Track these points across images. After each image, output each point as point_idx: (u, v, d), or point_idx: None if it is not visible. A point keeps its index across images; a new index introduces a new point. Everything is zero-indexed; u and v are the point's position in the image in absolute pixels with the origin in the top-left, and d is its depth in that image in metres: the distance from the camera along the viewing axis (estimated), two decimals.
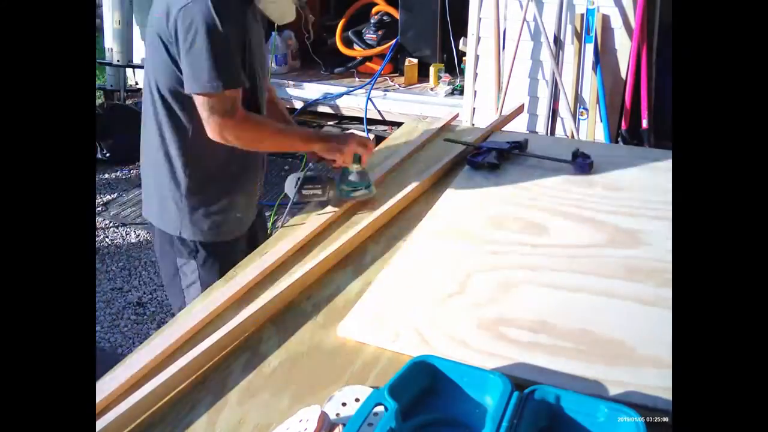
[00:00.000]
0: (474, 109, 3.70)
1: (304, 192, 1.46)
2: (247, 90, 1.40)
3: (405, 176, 1.61)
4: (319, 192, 1.47)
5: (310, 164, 1.51)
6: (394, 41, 4.55)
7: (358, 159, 1.47)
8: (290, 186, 1.46)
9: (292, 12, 1.47)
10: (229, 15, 1.30)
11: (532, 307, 1.09)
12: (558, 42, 3.55)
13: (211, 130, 1.35)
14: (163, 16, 1.32)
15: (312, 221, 1.40)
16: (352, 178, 1.48)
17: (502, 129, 2.04)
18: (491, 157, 1.65)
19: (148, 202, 1.56)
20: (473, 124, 3.47)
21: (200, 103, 1.34)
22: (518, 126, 3.44)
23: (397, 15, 4.53)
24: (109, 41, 4.60)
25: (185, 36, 1.29)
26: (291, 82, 4.56)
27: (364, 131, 4.21)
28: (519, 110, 2.40)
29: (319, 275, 1.21)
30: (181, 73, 1.34)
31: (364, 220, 1.38)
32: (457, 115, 2.10)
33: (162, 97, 1.40)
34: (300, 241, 1.30)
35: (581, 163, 1.61)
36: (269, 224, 3.40)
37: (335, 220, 1.43)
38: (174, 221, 1.49)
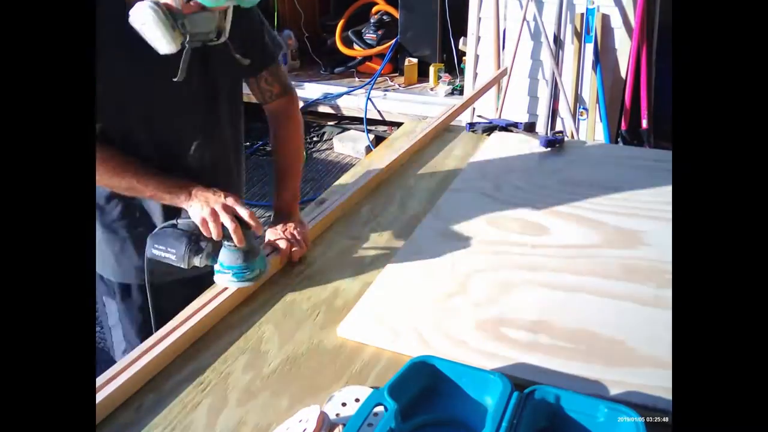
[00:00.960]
0: (474, 108, 3.70)
1: (155, 251, 1.12)
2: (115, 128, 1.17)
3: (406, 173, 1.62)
4: (171, 255, 1.11)
5: (177, 219, 1.15)
6: (393, 41, 4.56)
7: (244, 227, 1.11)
8: (148, 243, 1.13)
9: (170, 42, 1.04)
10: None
11: (532, 308, 1.09)
12: (558, 42, 3.55)
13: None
14: None
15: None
16: (222, 256, 1.13)
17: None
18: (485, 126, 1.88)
19: None
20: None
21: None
22: None
23: (396, 15, 4.54)
24: None
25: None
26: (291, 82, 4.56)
27: (364, 131, 4.22)
28: (502, 74, 2.52)
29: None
30: None
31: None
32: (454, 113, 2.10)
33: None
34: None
35: (547, 139, 1.76)
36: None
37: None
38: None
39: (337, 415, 0.87)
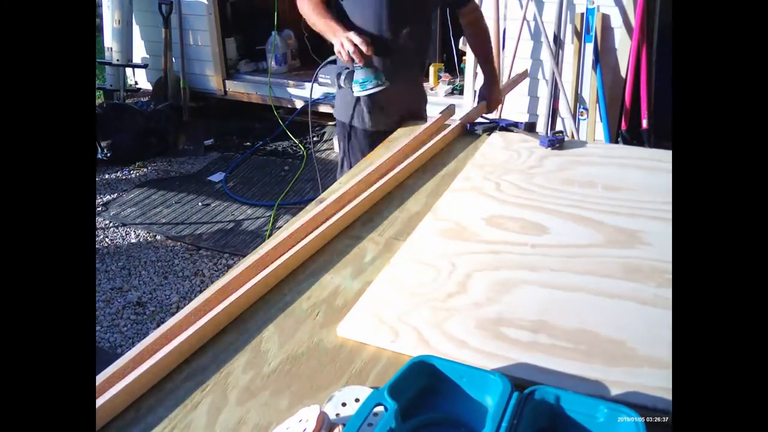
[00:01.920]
0: None
1: (320, 80, 1.83)
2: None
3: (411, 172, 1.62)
4: (328, 81, 1.81)
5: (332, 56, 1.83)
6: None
7: (369, 61, 1.74)
8: (320, 74, 1.84)
9: None
10: None
11: (532, 307, 1.09)
12: (558, 41, 3.55)
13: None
14: None
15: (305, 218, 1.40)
16: (357, 75, 1.76)
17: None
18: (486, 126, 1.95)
19: None
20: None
21: None
22: None
23: None
24: (109, 41, 4.60)
25: None
26: (291, 82, 4.56)
27: None
28: (523, 75, 2.82)
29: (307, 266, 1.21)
30: None
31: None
32: (452, 113, 2.10)
33: None
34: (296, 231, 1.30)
35: (547, 139, 1.78)
36: (269, 224, 3.40)
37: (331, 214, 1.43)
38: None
39: (337, 415, 0.87)
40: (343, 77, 1.78)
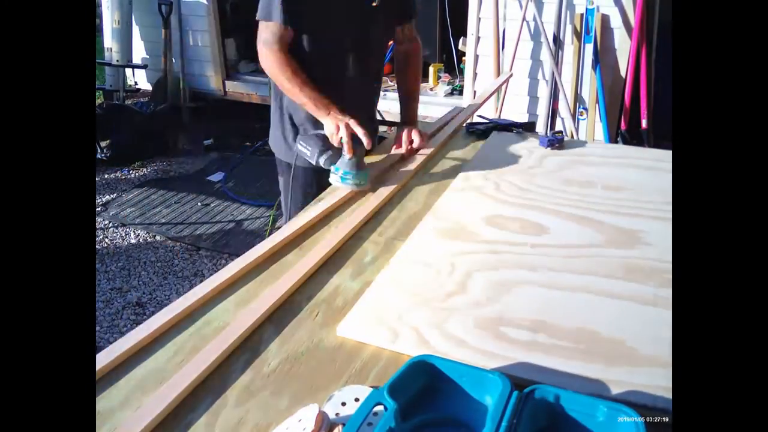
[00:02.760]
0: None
1: (299, 146, 1.61)
2: (307, 35, 1.65)
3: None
4: (307, 152, 1.59)
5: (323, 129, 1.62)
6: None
7: (357, 144, 1.52)
8: (298, 140, 1.63)
9: None
10: None
11: (532, 307, 1.09)
12: (557, 42, 3.55)
13: (258, 48, 1.65)
14: None
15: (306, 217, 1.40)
16: (340, 162, 1.53)
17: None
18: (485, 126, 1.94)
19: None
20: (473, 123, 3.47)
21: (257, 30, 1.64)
22: None
23: None
24: (109, 41, 4.60)
25: None
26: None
27: None
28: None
29: (315, 273, 1.21)
30: None
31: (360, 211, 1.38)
32: (456, 115, 2.10)
33: None
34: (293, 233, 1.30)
35: (547, 139, 1.77)
36: (269, 224, 3.40)
37: (330, 212, 1.44)
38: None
39: (337, 414, 0.87)
40: (324, 158, 1.56)
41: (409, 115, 1.91)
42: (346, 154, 1.51)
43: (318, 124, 1.65)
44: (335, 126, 1.54)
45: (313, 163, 1.58)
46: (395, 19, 1.83)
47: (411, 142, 1.78)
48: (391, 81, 4.54)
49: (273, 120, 1.87)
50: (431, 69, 4.43)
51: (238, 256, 1.26)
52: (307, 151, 1.58)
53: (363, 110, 1.82)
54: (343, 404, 0.89)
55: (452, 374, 0.89)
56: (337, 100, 1.63)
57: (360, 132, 1.52)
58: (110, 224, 3.45)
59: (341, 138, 1.51)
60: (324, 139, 1.58)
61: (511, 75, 2.56)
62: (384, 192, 1.54)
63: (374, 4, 1.66)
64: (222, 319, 1.09)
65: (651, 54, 3.46)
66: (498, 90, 3.70)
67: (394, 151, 1.80)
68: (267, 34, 1.62)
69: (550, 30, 3.54)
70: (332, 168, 1.54)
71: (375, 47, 1.81)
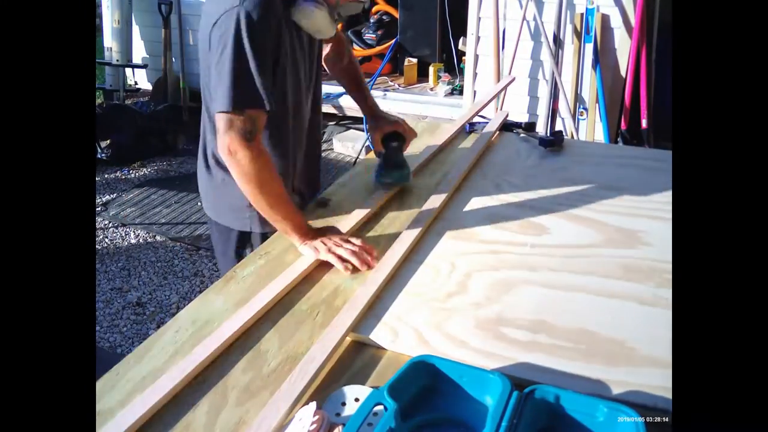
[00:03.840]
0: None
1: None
2: (278, 110, 1.31)
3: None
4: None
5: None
6: (393, 41, 4.55)
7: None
8: None
9: (329, 29, 1.34)
10: (259, 31, 1.20)
11: (532, 307, 1.09)
12: (557, 41, 3.55)
13: (220, 145, 1.23)
14: (205, 30, 1.27)
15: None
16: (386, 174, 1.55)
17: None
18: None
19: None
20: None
21: (220, 120, 1.22)
22: None
23: (396, 14, 4.53)
24: (109, 41, 4.60)
25: (215, 50, 1.22)
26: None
27: (363, 131, 4.22)
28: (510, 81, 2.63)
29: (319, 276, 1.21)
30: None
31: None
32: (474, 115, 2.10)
33: (207, 109, 1.39)
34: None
35: (548, 139, 1.76)
36: None
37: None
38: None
39: (337, 415, 0.87)
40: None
41: (367, 104, 1.67)
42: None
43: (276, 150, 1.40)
44: (324, 255, 1.24)
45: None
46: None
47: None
48: (391, 81, 4.55)
49: (211, 186, 1.54)
50: (431, 69, 4.43)
51: None
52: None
53: (319, 139, 1.65)
54: (343, 404, 0.89)
55: (452, 374, 0.89)
56: (300, 148, 1.47)
57: (345, 252, 1.25)
58: (110, 224, 3.45)
59: (353, 264, 1.23)
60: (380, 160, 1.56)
61: (513, 79, 2.56)
62: (382, 193, 1.54)
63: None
64: (222, 319, 1.09)
65: (651, 54, 3.45)
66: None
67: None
68: (245, 125, 1.21)
69: (550, 30, 3.54)
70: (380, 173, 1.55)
71: (317, 91, 1.54)
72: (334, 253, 1.24)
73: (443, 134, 1.89)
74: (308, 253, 1.26)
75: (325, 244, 1.26)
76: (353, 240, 1.28)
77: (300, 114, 1.45)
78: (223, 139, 1.22)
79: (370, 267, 1.22)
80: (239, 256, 1.48)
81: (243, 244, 1.50)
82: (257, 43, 1.21)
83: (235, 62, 1.20)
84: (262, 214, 1.31)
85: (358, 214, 1.42)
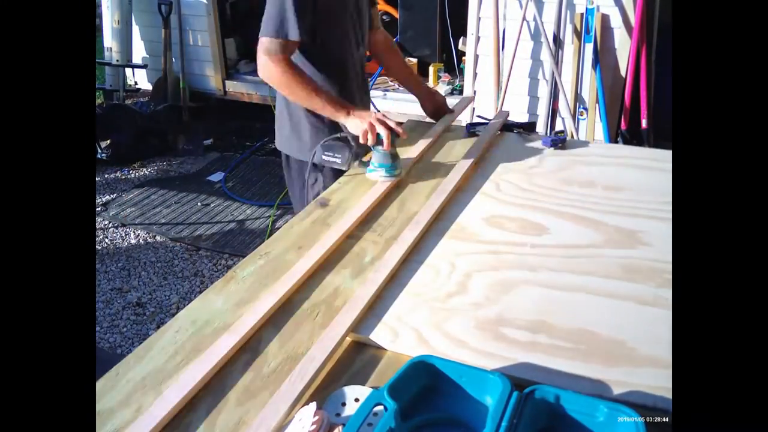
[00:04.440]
0: (473, 109, 3.70)
1: (324, 157, 1.61)
2: (312, 43, 1.66)
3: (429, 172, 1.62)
4: (338, 160, 1.61)
5: (341, 133, 1.62)
6: (393, 41, 4.54)
7: (381, 140, 1.53)
8: (318, 151, 1.63)
9: None
10: None
11: (532, 307, 1.09)
12: (557, 41, 3.55)
13: (259, 65, 1.64)
14: None
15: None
16: (375, 158, 1.56)
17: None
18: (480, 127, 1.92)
19: None
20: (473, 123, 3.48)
21: (259, 45, 1.62)
22: None
23: (396, 14, 4.53)
24: (109, 41, 4.60)
25: None
26: None
27: None
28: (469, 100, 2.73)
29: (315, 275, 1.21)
30: None
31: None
32: (472, 98, 2.10)
33: None
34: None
35: (550, 139, 1.78)
36: (269, 224, 3.40)
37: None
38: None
39: (337, 415, 0.87)
40: (358, 161, 1.62)
41: (428, 90, 2.05)
42: (383, 149, 1.53)
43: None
44: (367, 124, 1.54)
45: (346, 168, 1.61)
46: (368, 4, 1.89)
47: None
48: (391, 81, 4.54)
49: (281, 121, 1.88)
50: (431, 69, 4.42)
51: (238, 256, 1.26)
52: (336, 160, 1.61)
53: (366, 88, 1.95)
54: (343, 404, 0.89)
55: (452, 374, 0.89)
56: (347, 95, 1.71)
57: (392, 124, 1.54)
58: (110, 224, 3.45)
59: (378, 134, 1.53)
60: (347, 141, 1.60)
61: (471, 98, 2.67)
62: (382, 187, 1.54)
63: None
64: (222, 319, 1.09)
65: (651, 54, 3.45)
66: (497, 88, 3.70)
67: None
68: (275, 46, 1.60)
69: (550, 30, 3.54)
70: (370, 166, 1.58)
71: (366, 34, 1.88)
72: (378, 121, 1.54)
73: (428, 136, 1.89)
74: (355, 123, 1.57)
75: (366, 118, 1.56)
76: (391, 123, 1.55)
77: (349, 49, 1.78)
78: (259, 59, 1.63)
79: (400, 135, 1.55)
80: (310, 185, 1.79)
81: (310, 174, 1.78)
82: None
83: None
84: (309, 107, 1.68)
85: (358, 214, 1.42)
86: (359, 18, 1.80)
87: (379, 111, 1.66)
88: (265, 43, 1.61)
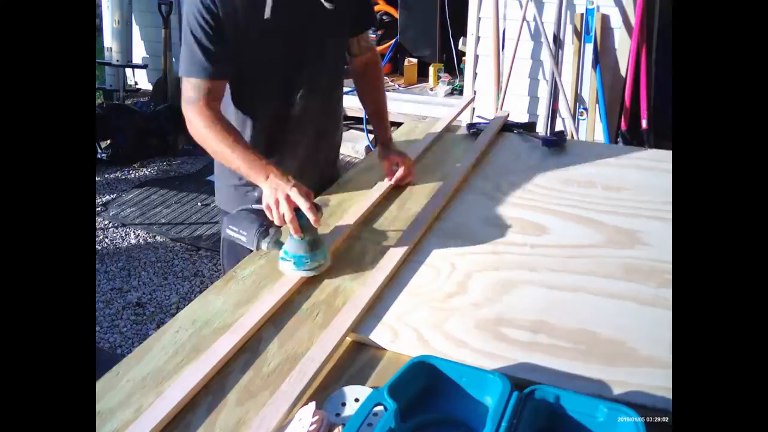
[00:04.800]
0: (473, 109, 3.70)
1: (229, 231, 1.24)
2: (240, 80, 1.39)
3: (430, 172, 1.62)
4: (243, 237, 1.22)
5: (257, 204, 1.26)
6: (393, 41, 4.55)
7: (303, 221, 1.17)
8: (224, 222, 1.28)
9: None
10: (216, 2, 1.26)
11: (532, 308, 1.09)
12: (557, 42, 3.55)
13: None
14: None
15: None
16: (289, 245, 1.20)
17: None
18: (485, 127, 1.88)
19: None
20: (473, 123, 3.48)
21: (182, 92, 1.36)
22: None
23: (396, 15, 4.53)
24: (109, 41, 4.60)
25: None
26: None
27: (363, 131, 4.22)
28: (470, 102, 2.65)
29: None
30: None
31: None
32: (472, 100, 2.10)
33: None
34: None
35: (550, 139, 1.76)
36: None
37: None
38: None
39: (337, 415, 0.87)
40: (266, 242, 1.20)
41: (385, 135, 1.64)
42: (295, 236, 1.18)
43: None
44: (274, 198, 1.19)
45: (253, 248, 1.22)
46: (351, 28, 1.53)
47: (404, 173, 1.56)
48: (391, 81, 4.54)
49: (217, 171, 1.62)
50: (431, 69, 4.43)
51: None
52: (242, 237, 1.22)
53: (326, 145, 1.62)
54: (343, 404, 0.89)
55: (452, 374, 0.89)
56: (294, 146, 1.47)
57: (303, 204, 1.16)
58: (110, 224, 3.45)
59: (283, 215, 1.18)
60: (261, 215, 1.23)
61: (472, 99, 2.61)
62: (382, 186, 1.54)
63: (327, 5, 1.33)
64: (222, 319, 1.09)
65: (651, 54, 3.45)
66: (497, 88, 3.70)
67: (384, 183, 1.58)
68: (191, 91, 1.31)
69: (550, 30, 3.54)
70: (281, 252, 1.20)
71: (332, 68, 1.53)
72: (286, 197, 1.18)
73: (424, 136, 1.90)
74: (267, 193, 1.22)
75: (280, 188, 1.19)
76: (301, 203, 1.17)
77: (288, 96, 1.45)
78: (182, 105, 1.35)
79: (283, 224, 1.19)
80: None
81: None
82: (210, 15, 1.28)
83: (191, 34, 1.30)
84: (228, 166, 1.34)
85: (358, 215, 1.42)
86: (318, 54, 1.45)
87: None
88: (183, 88, 1.33)
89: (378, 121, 1.67)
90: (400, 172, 1.56)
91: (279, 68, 1.41)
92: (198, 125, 1.31)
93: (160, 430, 0.86)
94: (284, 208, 1.17)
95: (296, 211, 1.17)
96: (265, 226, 1.22)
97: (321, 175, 1.62)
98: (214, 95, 1.33)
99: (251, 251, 1.28)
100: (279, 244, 1.21)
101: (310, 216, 1.16)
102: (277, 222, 1.20)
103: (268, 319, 1.09)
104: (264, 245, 1.20)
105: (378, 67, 1.67)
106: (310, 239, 1.18)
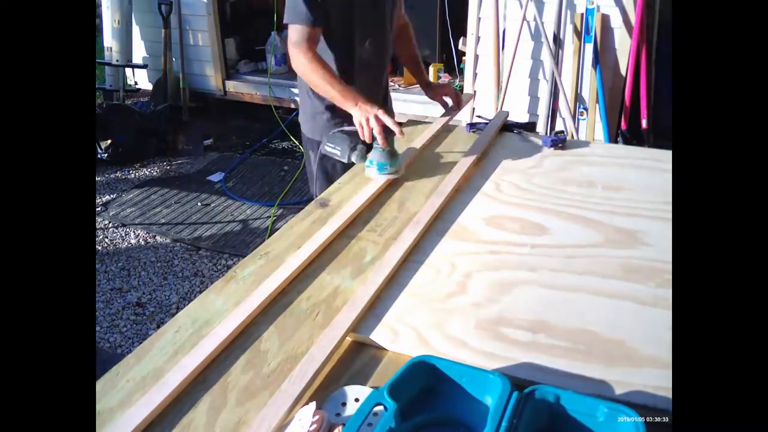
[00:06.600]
0: (473, 109, 3.70)
1: (327, 148, 1.65)
2: (329, 27, 1.76)
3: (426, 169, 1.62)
4: (337, 152, 1.63)
5: (350, 126, 1.65)
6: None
7: (388, 133, 1.53)
8: (323, 140, 1.68)
9: None
10: None
11: (532, 307, 1.09)
12: (558, 41, 3.55)
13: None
14: None
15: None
16: (372, 154, 1.57)
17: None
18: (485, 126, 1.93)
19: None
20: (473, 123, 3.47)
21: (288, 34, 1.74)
22: None
23: None
24: (109, 41, 4.60)
25: None
26: (291, 82, 4.56)
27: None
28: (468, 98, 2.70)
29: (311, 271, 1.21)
30: None
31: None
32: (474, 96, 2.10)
33: None
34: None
35: (550, 139, 1.79)
36: (269, 224, 3.40)
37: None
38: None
39: (337, 415, 0.87)
40: (356, 155, 1.61)
41: (425, 78, 2.15)
42: (380, 146, 1.54)
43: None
44: (365, 118, 1.57)
45: (345, 161, 1.63)
46: None
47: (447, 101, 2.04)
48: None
49: (302, 102, 2.00)
50: (431, 69, 4.42)
51: (238, 256, 1.26)
52: (337, 151, 1.63)
53: (384, 81, 2.04)
54: (343, 404, 0.89)
55: (452, 374, 0.89)
56: (362, 86, 1.77)
57: (389, 122, 1.55)
58: (110, 224, 3.45)
59: (373, 130, 1.54)
60: (350, 134, 1.63)
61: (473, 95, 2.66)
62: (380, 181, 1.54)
63: None
64: (221, 319, 1.09)
65: (651, 54, 3.45)
66: (497, 88, 3.70)
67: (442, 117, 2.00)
68: (296, 36, 1.70)
69: (550, 30, 3.54)
70: (367, 162, 1.57)
71: (389, 26, 1.94)
72: (375, 118, 1.55)
73: (422, 136, 1.89)
74: (356, 116, 1.61)
75: (367, 112, 1.58)
76: (387, 121, 1.55)
77: (360, 41, 1.85)
78: (289, 51, 1.74)
79: (395, 133, 1.54)
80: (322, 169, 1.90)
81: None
82: None
83: None
84: (325, 96, 1.76)
85: (358, 214, 1.42)
86: (375, 11, 1.85)
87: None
88: (289, 33, 1.72)
89: (416, 68, 2.18)
90: (451, 99, 2.03)
91: (356, 22, 1.81)
92: (302, 62, 1.70)
93: (157, 427, 0.86)
94: (374, 124, 1.54)
95: None
96: (354, 143, 1.61)
97: (381, 104, 1.98)
98: (312, 39, 1.71)
99: (340, 175, 1.70)
100: (364, 158, 1.59)
101: (395, 128, 1.54)
102: (366, 137, 1.57)
103: (268, 319, 1.09)
104: (354, 158, 1.61)
105: (411, 29, 2.14)
106: (390, 150, 1.56)
